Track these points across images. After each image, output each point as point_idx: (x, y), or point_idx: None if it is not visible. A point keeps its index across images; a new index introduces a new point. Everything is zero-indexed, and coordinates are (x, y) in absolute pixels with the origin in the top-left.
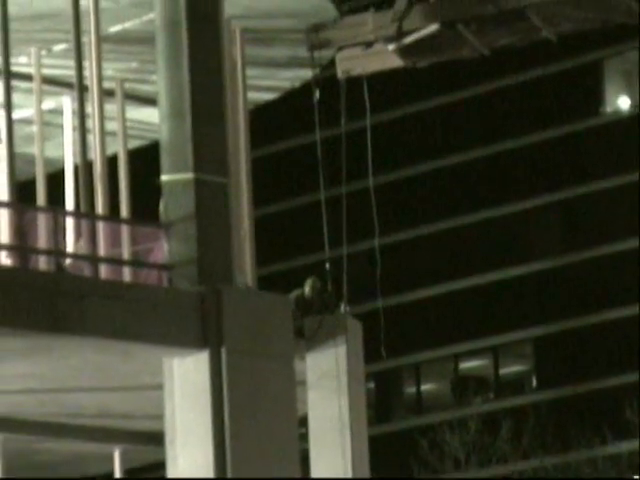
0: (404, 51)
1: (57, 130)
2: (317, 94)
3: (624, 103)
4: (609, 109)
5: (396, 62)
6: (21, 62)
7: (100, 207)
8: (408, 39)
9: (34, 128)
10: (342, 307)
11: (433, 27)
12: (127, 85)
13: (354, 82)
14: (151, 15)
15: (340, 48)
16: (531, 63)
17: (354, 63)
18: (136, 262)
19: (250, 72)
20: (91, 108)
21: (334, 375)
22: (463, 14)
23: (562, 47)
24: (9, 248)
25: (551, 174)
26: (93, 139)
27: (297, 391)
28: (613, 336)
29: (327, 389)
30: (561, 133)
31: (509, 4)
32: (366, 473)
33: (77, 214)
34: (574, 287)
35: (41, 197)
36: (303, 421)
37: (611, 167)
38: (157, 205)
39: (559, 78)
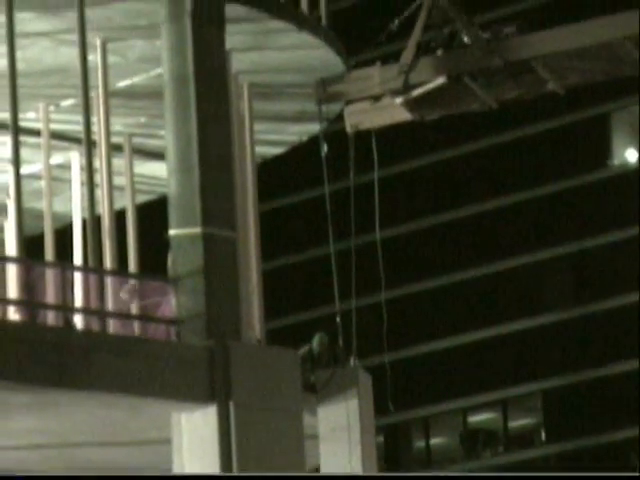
0: (412, 104)
1: (65, 185)
2: (325, 148)
3: (632, 156)
4: (617, 162)
5: (404, 116)
6: (29, 117)
7: (108, 262)
8: (415, 92)
9: (42, 183)
10: (352, 360)
11: (440, 80)
12: (135, 140)
13: (363, 135)
14: (159, 70)
15: (348, 102)
16: (539, 116)
17: (362, 117)
18: (144, 317)
19: (258, 126)
20: (99, 163)
21: (346, 428)
22: (470, 67)
23: (570, 100)
24: (17, 303)
25: (560, 227)
26: (101, 194)
27: (308, 445)
28: (622, 389)
29: (339, 442)
30: (569, 186)
31: (515, 56)
32: None
33: (85, 269)
34: (583, 340)
35: (49, 252)
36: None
37: (619, 220)
38: (165, 259)
39: (567, 131)
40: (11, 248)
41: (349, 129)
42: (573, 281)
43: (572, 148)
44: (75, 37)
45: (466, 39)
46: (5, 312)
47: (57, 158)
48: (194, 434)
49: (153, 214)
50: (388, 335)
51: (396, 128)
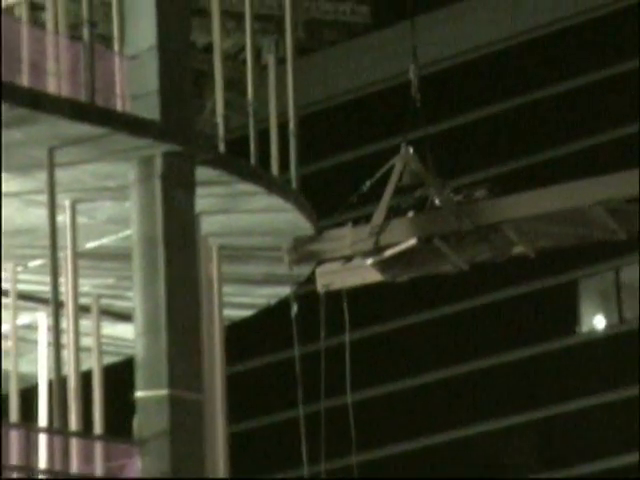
0: (383, 266)
1: (31, 345)
2: (295, 309)
3: (600, 323)
4: (585, 329)
5: (375, 276)
6: None
7: (74, 423)
8: (386, 254)
9: (9, 343)
10: None
11: (411, 242)
12: (103, 301)
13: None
14: (128, 231)
15: (319, 263)
16: (507, 281)
17: (333, 277)
18: (110, 479)
19: (227, 289)
20: (66, 324)
21: None
22: (441, 229)
23: (537, 266)
24: None
25: (527, 393)
26: (68, 355)
27: None
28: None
29: None
30: (536, 352)
31: (486, 220)
32: None
33: (50, 430)
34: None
35: (14, 413)
36: None
37: (587, 387)
38: (131, 421)
39: (535, 296)
40: None
41: (320, 289)
42: (541, 447)
43: (540, 314)
44: (44, 198)
45: (437, 202)
46: None
47: (24, 318)
48: None
49: (120, 376)
50: None
51: (368, 289)
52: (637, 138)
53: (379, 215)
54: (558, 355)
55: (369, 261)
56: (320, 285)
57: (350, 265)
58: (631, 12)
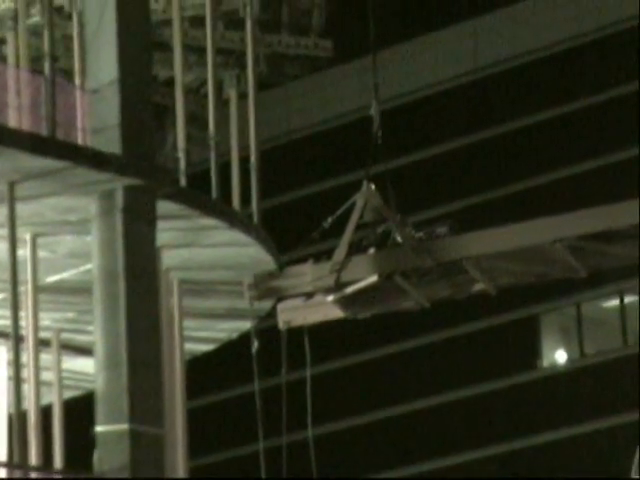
0: (344, 302)
1: None
2: (256, 345)
3: (561, 357)
4: (546, 363)
5: (337, 313)
6: None
7: (33, 458)
8: (347, 290)
9: None
10: None
11: (372, 279)
12: (63, 335)
13: (295, 332)
14: (89, 265)
15: (280, 299)
16: (469, 316)
17: (295, 314)
18: None
19: (188, 323)
20: (26, 358)
21: None
22: (402, 266)
23: (499, 302)
24: None
25: (489, 428)
26: (28, 389)
27: None
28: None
29: None
30: (497, 387)
31: (447, 257)
32: None
33: (10, 465)
34: None
35: None
36: None
37: (549, 421)
38: (91, 456)
39: (496, 331)
40: None
41: (281, 326)
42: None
43: (501, 349)
44: (5, 232)
45: (399, 238)
46: None
47: None
48: None
49: (80, 410)
50: None
51: (329, 325)
52: (595, 175)
53: (340, 252)
54: (520, 389)
55: (330, 298)
56: (281, 322)
57: (311, 302)
58: (589, 48)
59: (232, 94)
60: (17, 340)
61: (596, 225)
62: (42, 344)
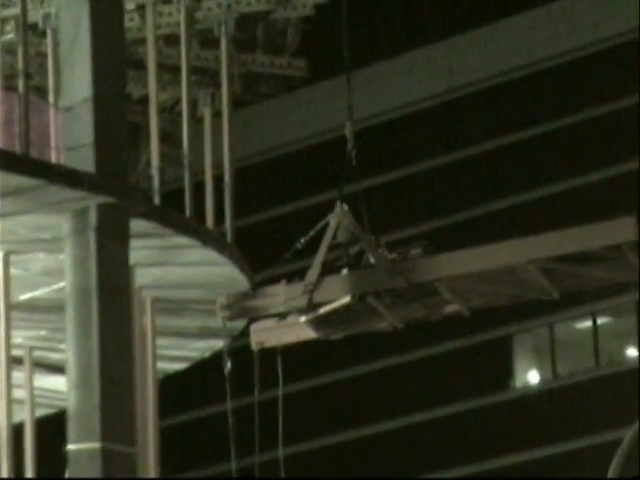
0: (317, 323)
1: None
2: (228, 364)
3: (533, 378)
4: (518, 384)
5: (310, 334)
6: None
7: (5, 475)
8: (320, 311)
9: None
10: None
11: (345, 299)
12: (36, 353)
13: (268, 352)
14: (61, 283)
15: (253, 319)
16: (442, 336)
17: (268, 334)
18: None
19: (160, 341)
20: None
21: None
22: (375, 287)
23: (472, 322)
24: None
25: (460, 448)
26: None
27: None
28: None
29: None
30: (469, 407)
31: (420, 278)
32: None
33: None
34: None
35: None
36: None
37: (521, 442)
38: (63, 474)
39: (469, 352)
40: None
41: (254, 346)
42: None
43: (474, 370)
44: None
45: (372, 259)
46: None
47: None
48: None
49: (52, 428)
50: None
51: (302, 346)
52: (568, 196)
53: (313, 272)
54: (492, 410)
55: (303, 319)
56: (254, 343)
57: (284, 322)
58: (564, 69)
59: (206, 113)
60: None
61: (569, 247)
62: (14, 362)
